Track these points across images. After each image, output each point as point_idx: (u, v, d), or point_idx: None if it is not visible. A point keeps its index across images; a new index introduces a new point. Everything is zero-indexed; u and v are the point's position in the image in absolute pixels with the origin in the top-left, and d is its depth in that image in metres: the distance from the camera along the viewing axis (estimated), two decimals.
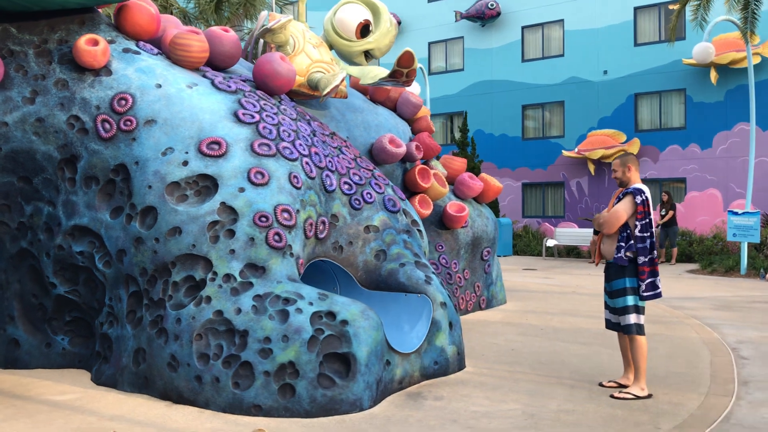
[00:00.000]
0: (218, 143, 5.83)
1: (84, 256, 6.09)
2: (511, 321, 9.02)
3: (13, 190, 6.23)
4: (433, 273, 6.61)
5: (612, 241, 5.72)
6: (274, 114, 6.43)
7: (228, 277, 5.48)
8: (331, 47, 8.41)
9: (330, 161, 6.58)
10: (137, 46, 6.35)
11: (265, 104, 6.47)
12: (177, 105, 5.99)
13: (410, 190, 9.22)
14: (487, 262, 10.11)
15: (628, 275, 5.61)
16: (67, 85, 5.92)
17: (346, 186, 6.63)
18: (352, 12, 8.23)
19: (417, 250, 6.82)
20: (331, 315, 5.31)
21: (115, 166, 5.89)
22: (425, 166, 9.17)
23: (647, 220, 5.59)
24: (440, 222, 9.50)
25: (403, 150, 8.59)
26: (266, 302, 5.33)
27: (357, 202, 6.64)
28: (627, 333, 5.61)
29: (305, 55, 7.62)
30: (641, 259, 5.53)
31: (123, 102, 5.92)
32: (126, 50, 6.22)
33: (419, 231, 7.11)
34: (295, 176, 5.98)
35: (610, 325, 5.81)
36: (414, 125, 9.76)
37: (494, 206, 22.19)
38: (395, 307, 6.45)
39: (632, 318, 5.60)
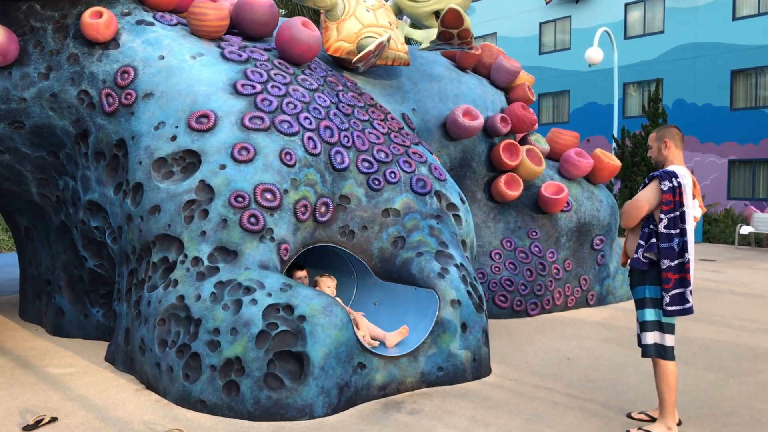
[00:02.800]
0: (207, 116, 5.47)
1: (99, 231, 6.10)
2: (611, 323, 7.72)
3: (46, 165, 6.41)
4: (458, 265, 5.71)
5: (635, 238, 4.48)
6: (285, 84, 5.92)
7: (196, 260, 5.13)
8: (400, 11, 7.67)
9: (346, 136, 5.93)
10: (154, 17, 6.17)
11: (277, 74, 5.99)
12: (176, 77, 5.72)
13: (496, 168, 8.23)
14: (600, 252, 8.78)
15: (649, 282, 4.36)
16: (77, 59, 5.89)
17: (365, 164, 5.94)
18: None
19: (446, 238, 5.96)
20: (289, 309, 4.74)
21: (117, 140, 5.79)
22: (513, 142, 8.11)
23: (677, 213, 4.27)
24: (536, 205, 8.39)
25: (478, 123, 7.65)
26: (226, 290, 4.90)
27: (376, 183, 5.93)
28: (644, 355, 4.38)
29: (355, 20, 6.98)
30: (665, 263, 4.25)
31: (125, 75, 5.78)
32: (139, 22, 6.06)
33: (456, 216, 6.21)
34: (287, 153, 5.45)
35: (639, 342, 4.57)
36: (510, 94, 8.68)
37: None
38: (405, 303, 5.70)
39: (650, 337, 4.35)
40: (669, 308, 4.26)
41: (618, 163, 8.76)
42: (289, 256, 5.39)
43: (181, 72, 5.75)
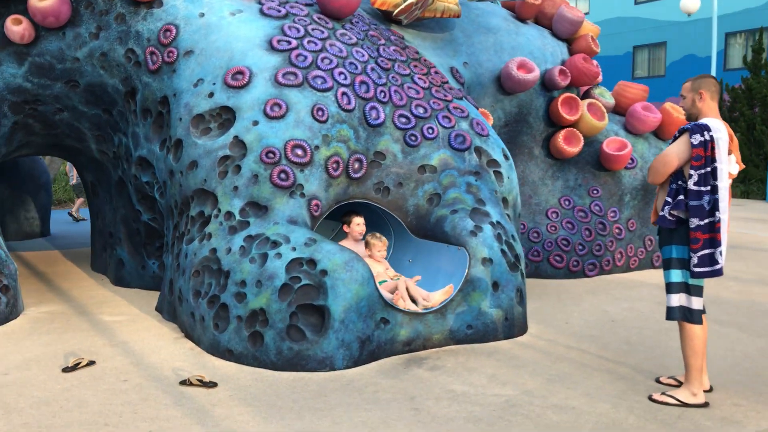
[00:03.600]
0: (242, 73, 5.54)
1: (149, 186, 6.34)
2: None
3: (102, 122, 6.70)
4: (494, 223, 5.59)
5: (664, 194, 4.23)
6: (322, 39, 5.90)
7: (229, 214, 5.26)
8: None
9: (383, 91, 5.86)
10: None
11: (314, 29, 5.97)
12: (215, 34, 5.81)
13: (555, 123, 7.95)
14: None
15: (676, 242, 4.12)
16: (124, 18, 6.07)
17: (403, 120, 5.87)
18: None
19: (484, 196, 5.83)
20: (312, 263, 4.80)
21: (161, 98, 5.96)
22: (572, 96, 7.79)
23: (708, 169, 3.99)
24: (598, 162, 8.07)
25: (533, 76, 7.39)
26: (254, 244, 5.01)
27: (413, 138, 5.86)
28: (669, 318, 4.17)
29: None
30: (694, 222, 4.00)
31: (168, 33, 5.91)
32: None
33: (497, 173, 6.06)
34: (319, 108, 5.45)
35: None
36: (572, 46, 8.31)
37: None
38: (438, 260, 5.65)
39: (675, 299, 4.13)
40: (696, 269, 4.02)
41: None
42: (321, 212, 5.44)
43: (220, 29, 5.83)
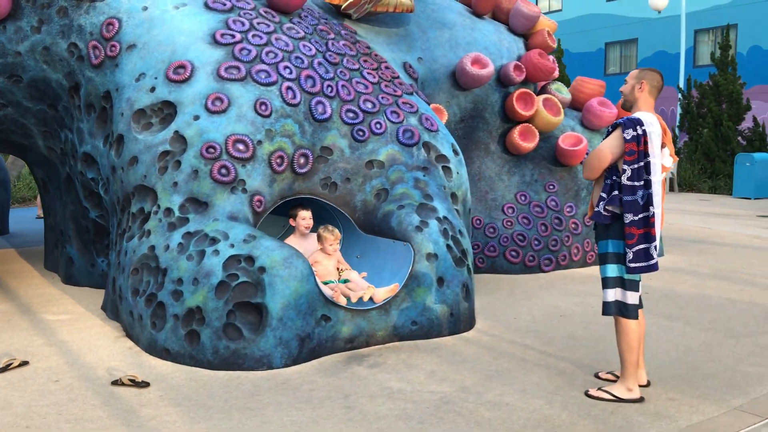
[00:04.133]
0: (183, 67, 5.45)
1: (95, 183, 6.23)
2: None
3: (48, 118, 6.57)
4: (440, 218, 5.55)
5: (599, 190, 4.21)
6: (267, 33, 5.82)
7: (168, 211, 5.17)
8: None
9: (330, 86, 5.80)
10: None
11: (260, 23, 5.88)
12: (158, 27, 5.71)
13: (510, 119, 7.93)
14: None
15: (612, 237, 4.11)
16: (67, 12, 5.94)
17: (350, 114, 5.81)
18: None
19: (432, 191, 5.79)
20: (251, 260, 4.72)
21: (104, 93, 5.85)
22: (527, 91, 7.77)
23: (641, 164, 3.98)
24: (554, 157, 8.06)
25: (487, 71, 7.36)
26: (192, 241, 4.93)
27: (361, 133, 5.80)
28: (604, 313, 4.15)
29: None
30: (629, 217, 3.98)
31: (110, 27, 5.80)
32: None
33: (446, 168, 6.02)
34: (262, 103, 5.37)
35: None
36: (529, 41, 8.29)
37: (762, 141, 18.48)
38: (384, 256, 5.60)
39: (611, 294, 4.12)
40: (632, 265, 4.01)
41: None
42: (264, 208, 5.36)
43: (163, 22, 5.73)
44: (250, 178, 5.25)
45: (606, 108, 8.10)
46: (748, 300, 6.49)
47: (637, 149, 3.97)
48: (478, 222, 7.78)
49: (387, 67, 6.52)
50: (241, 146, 5.22)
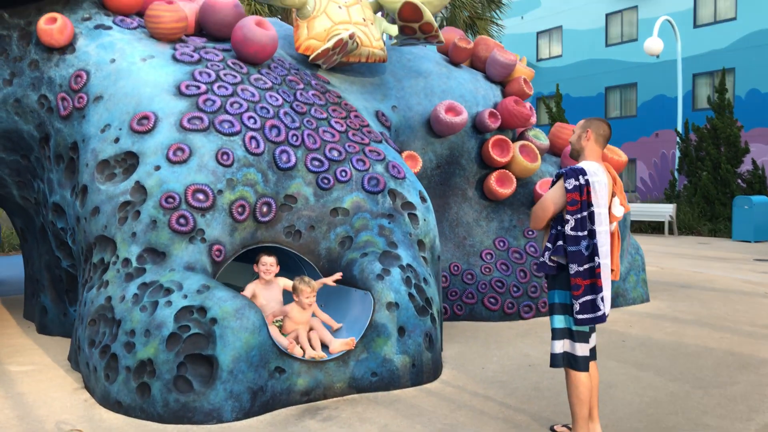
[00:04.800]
0: (147, 118, 5.50)
1: (64, 233, 6.24)
2: (606, 328, 7.26)
3: (21, 168, 6.63)
4: (404, 266, 5.50)
5: (545, 240, 4.18)
6: (233, 84, 5.88)
7: (126, 261, 5.15)
8: (380, 7, 7.49)
9: (295, 135, 5.83)
10: (114, 21, 6.25)
11: (227, 74, 5.95)
12: (124, 79, 5.78)
13: (487, 164, 7.93)
14: None
15: (559, 287, 4.05)
16: (38, 65, 6.05)
17: (316, 163, 5.82)
18: None
19: (397, 238, 5.76)
20: (203, 311, 4.69)
21: (72, 143, 5.90)
22: (503, 137, 7.78)
23: (584, 214, 3.94)
24: (533, 203, 8.02)
25: (461, 119, 7.38)
26: (147, 292, 4.90)
27: (325, 181, 5.81)
28: (552, 365, 4.07)
29: (326, 17, 6.86)
30: (573, 268, 3.93)
31: (79, 79, 5.88)
32: (98, 26, 6.16)
33: (412, 215, 6.00)
34: (224, 153, 5.40)
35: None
36: (506, 88, 8.33)
37: (762, 184, 18.36)
38: (346, 305, 5.55)
39: (559, 345, 4.05)
40: (579, 316, 3.94)
41: (624, 158, 8.26)
42: (224, 257, 5.34)
43: (130, 74, 5.80)
44: (209, 227, 5.24)
45: None
46: (725, 348, 6.36)
47: (580, 199, 3.94)
48: (455, 268, 7.73)
49: (356, 116, 6.55)
50: (200, 196, 5.22)
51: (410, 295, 5.37)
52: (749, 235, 16.91)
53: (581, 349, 4.01)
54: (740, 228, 17.10)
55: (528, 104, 8.11)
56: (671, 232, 19.09)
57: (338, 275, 5.49)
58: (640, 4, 25.81)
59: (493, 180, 7.76)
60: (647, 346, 6.47)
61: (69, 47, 6.02)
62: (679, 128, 20.80)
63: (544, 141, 8.30)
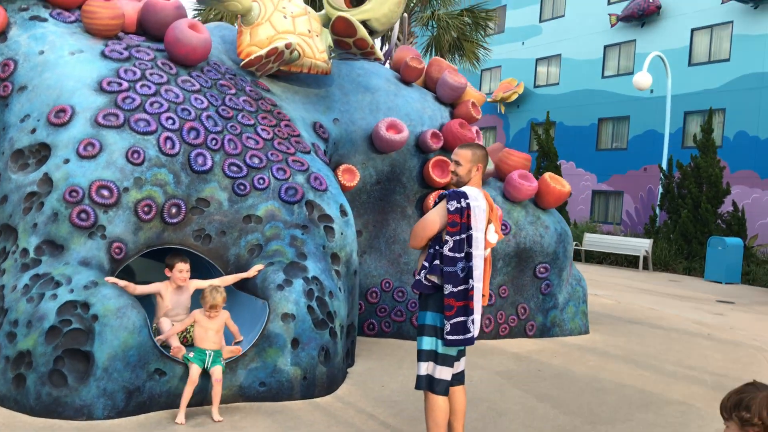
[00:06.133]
0: (64, 111, 5.51)
1: None
2: (531, 356, 7.23)
3: None
4: (309, 278, 5.48)
5: (423, 259, 4.17)
6: (158, 84, 5.90)
7: (24, 252, 5.15)
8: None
9: (215, 139, 5.84)
10: (51, 14, 6.28)
11: (153, 74, 5.97)
12: (49, 71, 5.80)
13: (428, 184, 7.92)
14: (544, 281, 8.28)
15: (431, 309, 4.06)
16: None
17: (234, 168, 5.82)
18: None
19: (307, 250, 5.74)
20: (86, 307, 4.68)
21: None
22: (444, 159, 7.78)
23: (463, 236, 3.97)
24: None
25: (401, 137, 7.39)
26: (38, 283, 4.89)
27: (242, 188, 5.81)
28: (416, 387, 4.06)
29: (269, 25, 6.89)
30: (448, 288, 3.95)
31: (6, 68, 5.91)
32: (33, 18, 6.19)
33: (328, 228, 5.99)
34: (135, 151, 5.40)
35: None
36: (455, 111, 8.35)
37: (741, 226, 18.26)
38: (243, 312, 5.52)
39: (423, 367, 4.04)
40: (449, 337, 3.95)
41: (567, 188, 8.25)
42: (125, 255, 5.33)
43: (56, 67, 5.83)
44: (111, 224, 5.24)
45: (525, 181, 8.08)
46: (638, 386, 6.31)
47: (460, 221, 3.98)
48: (387, 285, 7.70)
49: (287, 125, 6.56)
50: (105, 192, 5.23)
51: (309, 307, 5.35)
52: (721, 276, 16.84)
53: (443, 373, 4.00)
54: (713, 268, 17.03)
55: (475, 128, 8.12)
56: (645, 267, 19.03)
57: (260, 267, 5.50)
58: (639, 39, 25.86)
59: (431, 200, 7.74)
60: (560, 378, 6.43)
61: (1, 36, 6.05)
62: (664, 165, 20.79)
63: (488, 165, 8.29)
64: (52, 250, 5.13)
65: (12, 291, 4.94)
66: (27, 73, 5.85)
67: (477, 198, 4.07)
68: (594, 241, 20.58)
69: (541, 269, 8.25)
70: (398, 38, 16.57)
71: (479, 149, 4.22)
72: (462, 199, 4.02)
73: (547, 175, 8.31)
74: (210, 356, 4.85)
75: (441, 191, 4.29)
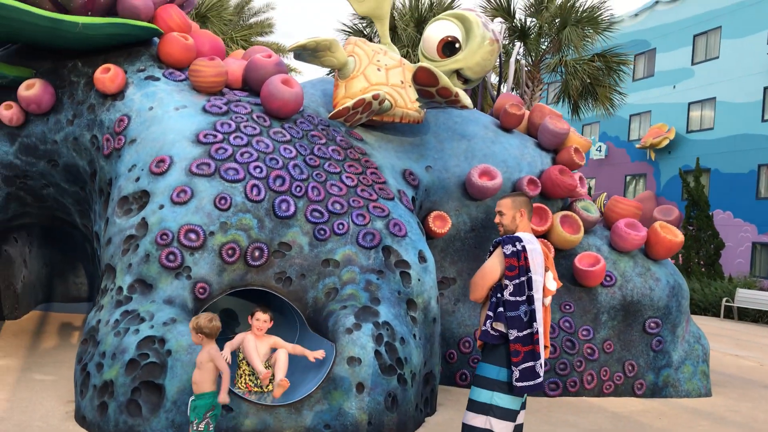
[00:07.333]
0: (163, 161, 6.02)
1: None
2: (633, 417, 6.77)
3: (81, 198, 7.43)
4: (380, 323, 5.53)
5: (485, 310, 4.13)
6: (250, 135, 6.29)
7: (120, 289, 5.62)
8: None
9: (300, 186, 6.11)
10: (164, 73, 6.92)
11: (247, 126, 6.38)
12: (156, 125, 6.37)
13: None
14: (655, 338, 7.77)
15: (494, 361, 4.01)
16: (94, 108, 6.82)
17: (316, 214, 6.06)
18: (436, 29, 7.39)
19: (382, 295, 5.80)
20: (163, 342, 5.02)
21: (109, 180, 6.56)
22: (542, 206, 7.60)
23: (522, 279, 3.93)
24: (573, 276, 7.73)
25: (493, 184, 7.34)
26: (126, 319, 5.32)
27: (322, 233, 6.01)
28: None
29: (363, 78, 7.15)
30: (513, 334, 3.90)
31: (121, 123, 6.56)
32: (148, 77, 6.85)
33: (405, 273, 6.02)
34: (223, 197, 5.78)
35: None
36: (557, 157, 8.15)
37: None
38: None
39: (481, 421, 3.93)
40: (519, 384, 3.90)
41: (679, 238, 7.74)
42: (209, 295, 5.66)
43: (162, 121, 6.39)
44: (196, 265, 5.60)
45: (632, 230, 7.69)
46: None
47: (518, 264, 3.96)
48: None
49: (373, 173, 6.73)
50: (192, 235, 5.61)
51: (377, 352, 5.38)
52: None
53: (504, 428, 3.91)
54: None
55: (578, 174, 7.89)
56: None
57: (320, 353, 5.20)
58: None
59: None
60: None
61: (120, 94, 6.74)
62: None
63: (594, 213, 7.99)
64: (142, 289, 5.56)
65: (105, 325, 5.40)
66: (137, 127, 6.45)
67: (531, 241, 4.06)
68: (747, 297, 18.93)
69: (652, 324, 7.75)
70: (527, 85, 16.48)
71: (519, 196, 4.20)
72: (517, 243, 4.01)
73: (658, 224, 7.86)
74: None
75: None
